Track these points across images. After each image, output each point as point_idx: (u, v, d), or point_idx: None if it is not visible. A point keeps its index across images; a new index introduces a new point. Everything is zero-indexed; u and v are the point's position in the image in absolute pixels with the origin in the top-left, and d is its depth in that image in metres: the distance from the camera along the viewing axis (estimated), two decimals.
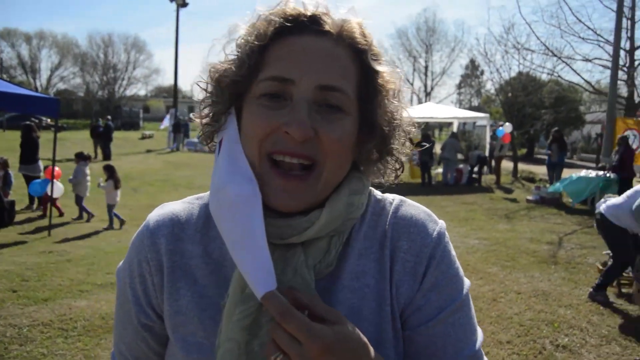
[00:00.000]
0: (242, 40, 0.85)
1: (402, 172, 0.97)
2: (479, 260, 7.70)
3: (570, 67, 17.66)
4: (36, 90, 42.44)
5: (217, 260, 0.91)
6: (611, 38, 15.42)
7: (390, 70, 0.88)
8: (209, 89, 0.90)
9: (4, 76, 48.70)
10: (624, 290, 6.49)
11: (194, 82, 0.93)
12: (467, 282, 0.95)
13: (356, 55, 0.85)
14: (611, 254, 6.30)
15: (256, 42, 0.83)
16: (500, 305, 5.74)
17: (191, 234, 0.94)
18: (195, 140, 27.62)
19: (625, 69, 16.25)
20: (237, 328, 0.80)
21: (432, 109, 20.68)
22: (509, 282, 6.62)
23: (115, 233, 9.34)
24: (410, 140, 0.94)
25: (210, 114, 0.91)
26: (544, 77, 20.40)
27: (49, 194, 9.26)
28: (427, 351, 0.89)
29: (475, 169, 17.10)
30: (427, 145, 13.30)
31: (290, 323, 0.70)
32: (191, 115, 0.98)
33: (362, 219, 0.94)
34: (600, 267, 7.05)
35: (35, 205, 10.96)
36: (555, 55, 17.69)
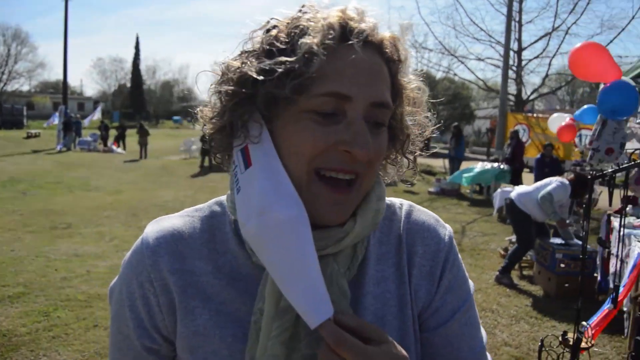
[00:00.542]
0: (300, 42, 0.75)
1: (416, 171, 0.96)
2: None
3: (466, 65, 18.73)
4: None
5: (229, 274, 0.87)
6: (502, 39, 16.51)
7: (416, 82, 0.88)
8: (227, 92, 0.80)
9: None
10: (525, 272, 6.92)
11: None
12: (471, 283, 0.99)
13: (388, 66, 0.83)
14: (514, 239, 6.71)
15: (322, 50, 0.74)
16: None
17: (197, 249, 0.88)
18: (89, 139, 26.07)
19: (514, 68, 17.47)
20: (277, 344, 0.77)
21: None
22: None
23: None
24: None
25: (225, 119, 0.81)
26: (439, 74, 21.55)
27: None
28: (444, 351, 0.93)
29: None
30: None
31: (346, 350, 0.70)
32: (199, 115, 0.87)
33: None
34: (503, 253, 7.49)
35: None
36: (451, 54, 18.68)
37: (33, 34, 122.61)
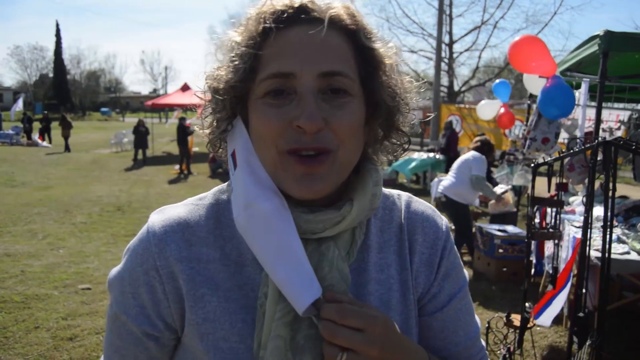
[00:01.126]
0: (234, 43, 0.84)
1: (409, 145, 0.97)
2: None
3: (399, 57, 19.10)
4: None
5: (237, 261, 0.89)
6: (434, 32, 16.97)
7: (383, 46, 0.87)
8: (207, 98, 0.88)
9: None
10: (464, 258, 7.19)
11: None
12: (466, 272, 1.04)
13: (349, 36, 0.84)
14: (454, 228, 6.96)
15: (250, 42, 0.81)
16: None
17: (204, 236, 0.90)
18: (11, 132, 24.59)
19: (446, 60, 18.00)
20: (281, 325, 0.80)
21: None
22: None
23: None
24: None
25: (214, 123, 0.90)
26: None
27: None
28: (441, 335, 0.97)
29: None
30: None
31: (350, 317, 0.75)
32: (196, 127, 0.95)
33: (376, 214, 0.98)
34: None
35: None
36: None
37: None
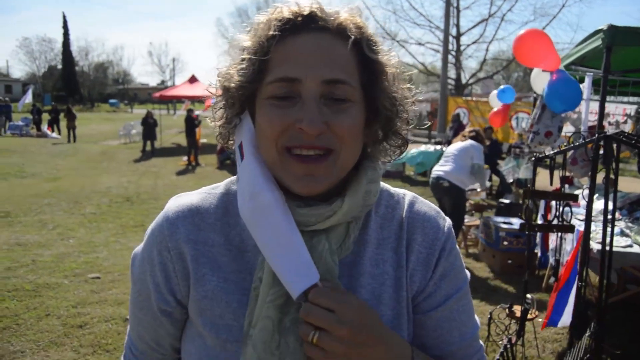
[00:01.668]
0: (244, 48, 0.89)
1: (406, 148, 1.02)
2: None
3: (407, 49, 19.07)
4: None
5: (239, 247, 0.96)
6: (441, 24, 16.91)
7: (386, 56, 0.93)
8: (219, 92, 0.95)
9: None
10: (470, 250, 7.24)
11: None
12: (467, 273, 1.05)
13: (353, 45, 0.88)
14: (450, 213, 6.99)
15: (259, 47, 0.87)
16: None
17: (211, 222, 0.97)
18: (20, 123, 24.78)
19: (453, 52, 17.93)
20: (271, 307, 0.86)
21: None
22: None
23: None
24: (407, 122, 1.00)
25: (224, 116, 0.96)
26: None
27: None
28: (435, 334, 0.99)
29: None
30: None
31: (322, 297, 0.81)
32: (208, 119, 1.01)
33: (377, 211, 1.02)
34: None
35: None
36: (392, 38, 18.95)
37: None
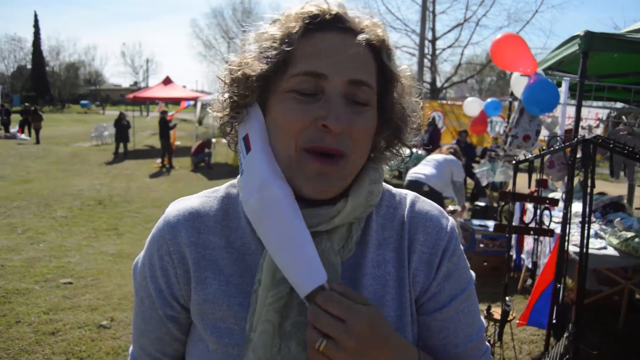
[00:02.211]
0: (270, 37, 0.87)
1: (410, 158, 1.04)
2: None
3: None
4: None
5: (240, 249, 0.95)
6: (417, 28, 17.06)
7: (400, 66, 0.94)
8: (229, 82, 0.92)
9: None
10: None
11: (214, 75, 0.95)
12: (473, 273, 1.04)
13: (373, 52, 0.89)
14: None
15: (286, 38, 0.86)
16: None
17: (212, 225, 0.96)
18: None
19: (429, 57, 18.11)
20: (271, 310, 0.84)
21: None
22: None
23: None
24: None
25: (230, 107, 0.93)
26: None
27: None
28: (440, 335, 0.98)
29: None
30: None
31: (332, 304, 0.76)
32: (208, 109, 1.00)
33: (378, 211, 1.01)
34: None
35: None
36: None
37: None
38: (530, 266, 4.76)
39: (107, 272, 5.83)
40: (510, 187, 10.86)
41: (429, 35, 18.11)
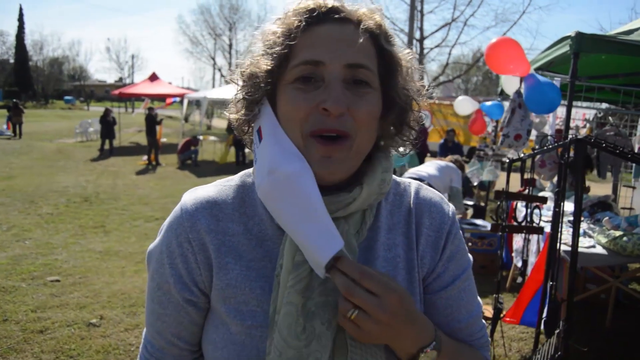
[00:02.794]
0: (272, 34, 0.94)
1: (418, 142, 1.08)
2: None
3: None
4: None
5: (258, 236, 0.99)
6: (405, 27, 17.11)
7: (402, 51, 0.99)
8: (242, 83, 0.98)
9: None
10: None
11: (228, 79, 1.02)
12: (470, 256, 1.12)
13: (372, 38, 0.94)
14: None
15: (287, 32, 0.92)
16: None
17: (230, 213, 1.00)
18: None
19: (417, 56, 18.16)
20: (293, 292, 0.89)
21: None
22: None
23: None
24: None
25: (244, 107, 0.98)
26: None
27: None
28: (445, 312, 1.05)
29: None
30: None
31: (369, 280, 0.82)
32: (225, 112, 1.05)
33: (387, 198, 1.07)
34: None
35: None
36: None
37: None
38: (519, 265, 4.80)
39: (95, 270, 5.77)
40: (497, 187, 11.05)
41: (417, 34, 18.21)
